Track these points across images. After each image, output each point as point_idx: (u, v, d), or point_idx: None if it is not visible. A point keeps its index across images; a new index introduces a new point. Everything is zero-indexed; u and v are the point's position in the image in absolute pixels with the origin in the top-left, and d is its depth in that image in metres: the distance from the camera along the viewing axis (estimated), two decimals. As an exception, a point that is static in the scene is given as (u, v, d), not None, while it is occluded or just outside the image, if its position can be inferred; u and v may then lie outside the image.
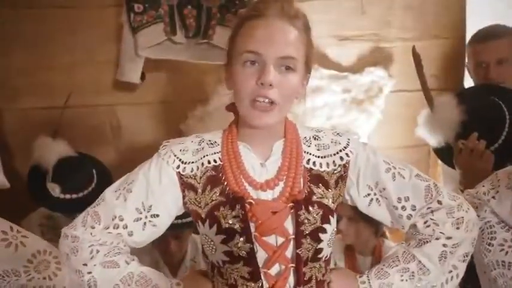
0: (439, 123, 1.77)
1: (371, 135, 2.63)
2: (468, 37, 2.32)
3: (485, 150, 1.65)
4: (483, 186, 1.24)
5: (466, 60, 2.06)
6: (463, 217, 1.10)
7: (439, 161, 2.06)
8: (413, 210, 1.11)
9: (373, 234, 2.03)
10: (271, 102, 1.01)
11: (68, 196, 1.87)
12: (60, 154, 1.92)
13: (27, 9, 2.37)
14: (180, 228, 1.72)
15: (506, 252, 1.18)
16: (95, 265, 1.07)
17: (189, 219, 1.80)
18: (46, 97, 2.42)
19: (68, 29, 2.43)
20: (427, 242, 1.10)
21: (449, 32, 2.53)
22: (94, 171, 1.99)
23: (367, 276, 1.13)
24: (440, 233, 1.09)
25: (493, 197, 1.20)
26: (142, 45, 2.08)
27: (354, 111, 2.63)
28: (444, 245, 1.09)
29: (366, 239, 2.03)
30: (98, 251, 1.07)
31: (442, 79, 2.55)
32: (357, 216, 1.91)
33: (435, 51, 2.54)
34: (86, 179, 1.95)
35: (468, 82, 2.34)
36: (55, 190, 1.85)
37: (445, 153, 1.83)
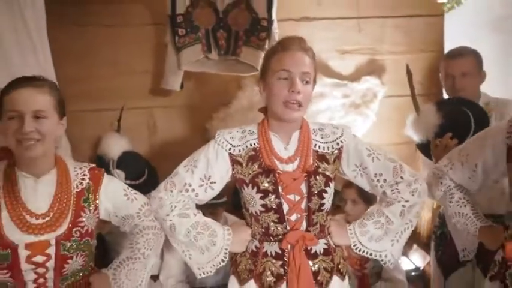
0: (422, 125, 2.23)
1: (367, 134, 3.04)
2: (446, 51, 2.82)
3: (455, 145, 2.16)
4: (443, 161, 1.74)
5: (440, 72, 2.50)
6: (417, 188, 1.63)
7: (421, 154, 2.58)
8: (384, 182, 1.64)
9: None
10: (299, 104, 1.54)
11: (128, 182, 2.36)
12: (124, 148, 2.44)
13: (77, 27, 2.78)
14: (215, 206, 2.26)
15: (460, 206, 1.68)
16: (174, 216, 1.61)
17: (223, 200, 2.34)
18: (92, 102, 2.82)
19: (112, 44, 2.84)
20: (392, 203, 1.63)
21: (432, 47, 3.00)
22: (145, 165, 2.50)
23: (353, 226, 1.66)
24: (401, 197, 1.62)
25: (450, 168, 1.69)
26: (185, 61, 2.54)
27: (352, 114, 3.04)
28: (403, 206, 1.62)
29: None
30: (175, 207, 1.61)
31: (426, 85, 3.01)
32: (359, 199, 2.39)
33: (421, 62, 3.01)
34: (141, 170, 2.46)
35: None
36: (120, 176, 2.37)
37: (425, 148, 2.30)
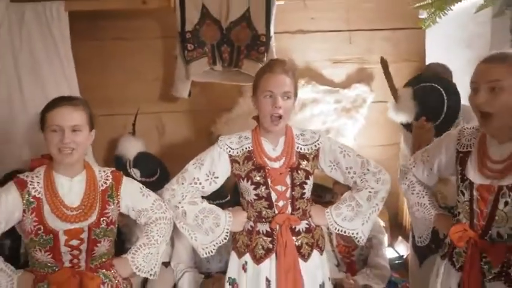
0: (402, 110, 2.51)
1: (356, 136, 3.33)
2: (428, 58, 3.14)
3: (429, 126, 2.36)
4: (410, 159, 2.06)
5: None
6: (380, 177, 1.98)
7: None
8: (355, 174, 1.98)
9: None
10: (280, 117, 1.87)
11: (143, 179, 2.67)
12: (139, 149, 2.76)
13: (94, 40, 3.07)
14: (222, 205, 2.57)
15: (420, 198, 1.99)
16: (185, 203, 1.95)
17: (227, 199, 2.66)
18: (107, 107, 3.07)
19: (125, 55, 3.13)
20: (361, 190, 1.97)
21: (415, 57, 3.27)
22: (158, 164, 2.82)
23: (330, 209, 2.01)
24: (368, 185, 1.97)
25: (414, 166, 2.00)
26: (193, 73, 2.83)
27: (343, 118, 3.31)
28: (370, 192, 1.96)
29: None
30: (186, 196, 1.96)
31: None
32: None
33: (405, 70, 3.22)
34: (155, 169, 2.76)
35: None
36: (136, 174, 2.69)
37: (408, 126, 2.56)
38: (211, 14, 2.78)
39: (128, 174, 2.55)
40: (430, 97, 2.47)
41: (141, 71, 3.18)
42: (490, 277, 1.63)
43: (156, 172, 2.79)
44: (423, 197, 1.97)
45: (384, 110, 3.12)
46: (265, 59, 2.80)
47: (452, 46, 2.84)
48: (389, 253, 3.03)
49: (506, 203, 1.58)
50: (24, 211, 1.71)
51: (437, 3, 2.50)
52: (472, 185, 1.68)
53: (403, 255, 3.04)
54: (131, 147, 2.75)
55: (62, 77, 2.66)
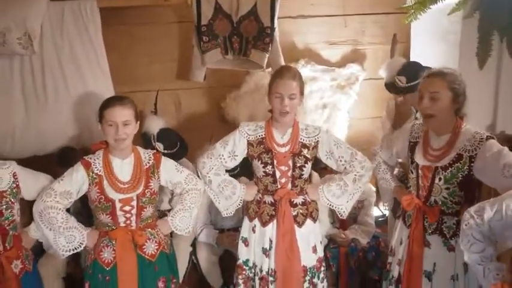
0: (389, 67, 3.25)
1: (350, 109, 3.90)
2: (412, 42, 3.72)
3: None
4: (379, 145, 2.74)
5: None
6: (365, 165, 2.63)
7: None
8: (345, 162, 2.64)
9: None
10: (286, 112, 2.52)
11: (166, 151, 3.22)
12: (161, 126, 3.37)
13: (118, 25, 3.55)
14: (233, 176, 3.23)
15: (384, 174, 2.70)
16: (211, 174, 2.65)
17: (236, 171, 3.31)
18: (129, 85, 3.54)
19: (146, 39, 3.64)
20: (349, 173, 2.65)
21: (403, 39, 3.76)
22: (178, 138, 3.46)
23: (322, 187, 2.68)
24: (355, 170, 2.63)
25: (381, 150, 2.70)
26: (208, 61, 3.40)
27: (338, 94, 3.85)
28: (355, 175, 2.63)
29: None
30: (212, 168, 2.65)
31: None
32: None
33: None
34: (175, 142, 3.33)
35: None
36: (160, 147, 3.29)
37: (389, 86, 3.26)
38: (223, 10, 3.36)
39: (153, 147, 3.20)
40: (413, 66, 3.15)
41: (160, 52, 3.69)
42: (430, 231, 2.39)
43: (177, 144, 3.42)
44: (386, 173, 2.71)
45: (374, 86, 3.88)
46: (270, 48, 3.38)
47: (430, 37, 3.43)
48: (375, 212, 3.76)
49: (440, 179, 2.31)
50: (89, 184, 2.44)
51: (417, 5, 3.09)
52: (418, 166, 2.40)
53: (385, 214, 3.77)
54: (154, 125, 3.32)
55: (97, 67, 3.24)
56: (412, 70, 3.06)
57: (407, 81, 3.07)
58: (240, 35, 3.43)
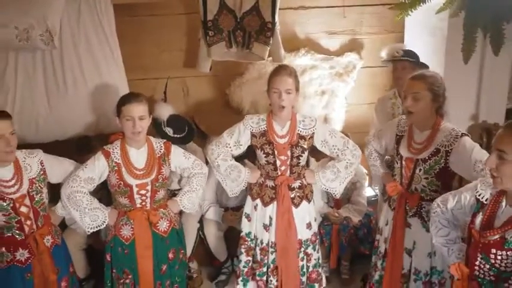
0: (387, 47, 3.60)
1: (347, 96, 4.15)
2: (406, 34, 3.96)
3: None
4: (373, 135, 3.06)
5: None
6: (356, 153, 2.97)
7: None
8: (338, 150, 2.97)
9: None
10: (283, 107, 2.83)
11: (175, 135, 3.55)
12: (170, 112, 3.64)
13: (129, 17, 3.79)
14: (239, 160, 3.56)
15: (375, 161, 3.01)
16: (219, 159, 3.00)
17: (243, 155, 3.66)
18: (141, 73, 3.87)
19: (155, 29, 3.88)
20: (341, 161, 2.98)
21: (398, 29, 3.98)
22: (186, 123, 3.78)
23: (318, 171, 3.03)
24: (347, 158, 2.97)
25: (373, 140, 3.02)
26: (213, 54, 3.67)
27: (336, 81, 4.07)
28: (347, 162, 2.98)
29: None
30: (220, 154, 3.00)
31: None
32: None
33: (389, 40, 3.94)
34: (183, 127, 3.63)
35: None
36: (170, 132, 3.58)
37: (385, 63, 3.61)
38: (228, 6, 3.62)
39: (164, 131, 3.54)
40: (413, 52, 3.46)
41: (168, 42, 3.94)
42: (410, 214, 2.74)
43: (185, 129, 3.71)
44: (376, 161, 3.04)
45: (370, 74, 4.12)
46: (271, 41, 3.65)
47: (421, 31, 3.68)
48: (368, 191, 4.09)
49: (420, 170, 2.64)
50: (109, 172, 2.79)
51: (407, 4, 3.34)
52: (402, 158, 2.73)
53: (377, 194, 4.08)
54: (164, 111, 3.62)
55: (111, 59, 3.54)
56: (411, 51, 3.46)
57: (405, 55, 3.43)
58: (243, 29, 3.70)
